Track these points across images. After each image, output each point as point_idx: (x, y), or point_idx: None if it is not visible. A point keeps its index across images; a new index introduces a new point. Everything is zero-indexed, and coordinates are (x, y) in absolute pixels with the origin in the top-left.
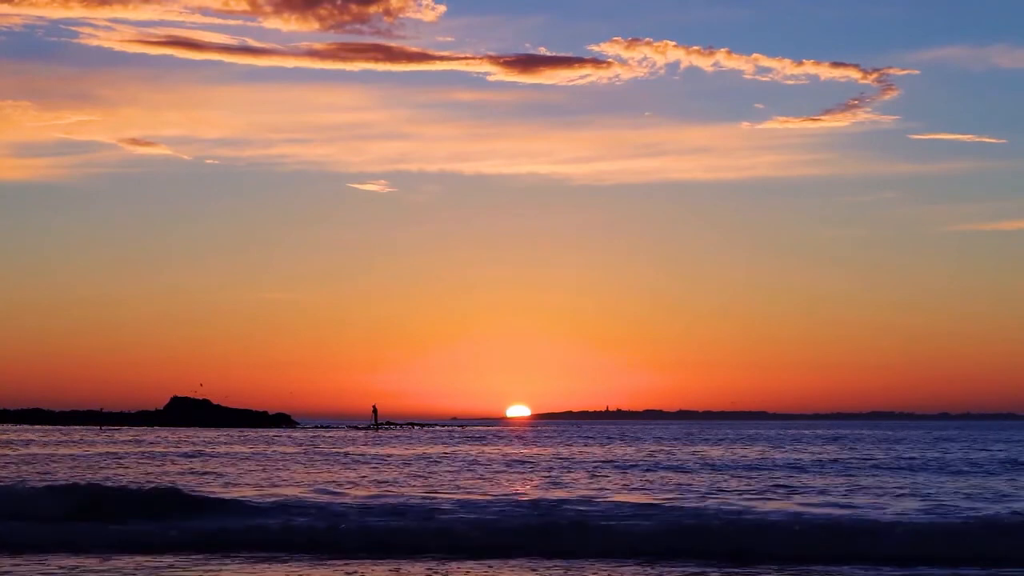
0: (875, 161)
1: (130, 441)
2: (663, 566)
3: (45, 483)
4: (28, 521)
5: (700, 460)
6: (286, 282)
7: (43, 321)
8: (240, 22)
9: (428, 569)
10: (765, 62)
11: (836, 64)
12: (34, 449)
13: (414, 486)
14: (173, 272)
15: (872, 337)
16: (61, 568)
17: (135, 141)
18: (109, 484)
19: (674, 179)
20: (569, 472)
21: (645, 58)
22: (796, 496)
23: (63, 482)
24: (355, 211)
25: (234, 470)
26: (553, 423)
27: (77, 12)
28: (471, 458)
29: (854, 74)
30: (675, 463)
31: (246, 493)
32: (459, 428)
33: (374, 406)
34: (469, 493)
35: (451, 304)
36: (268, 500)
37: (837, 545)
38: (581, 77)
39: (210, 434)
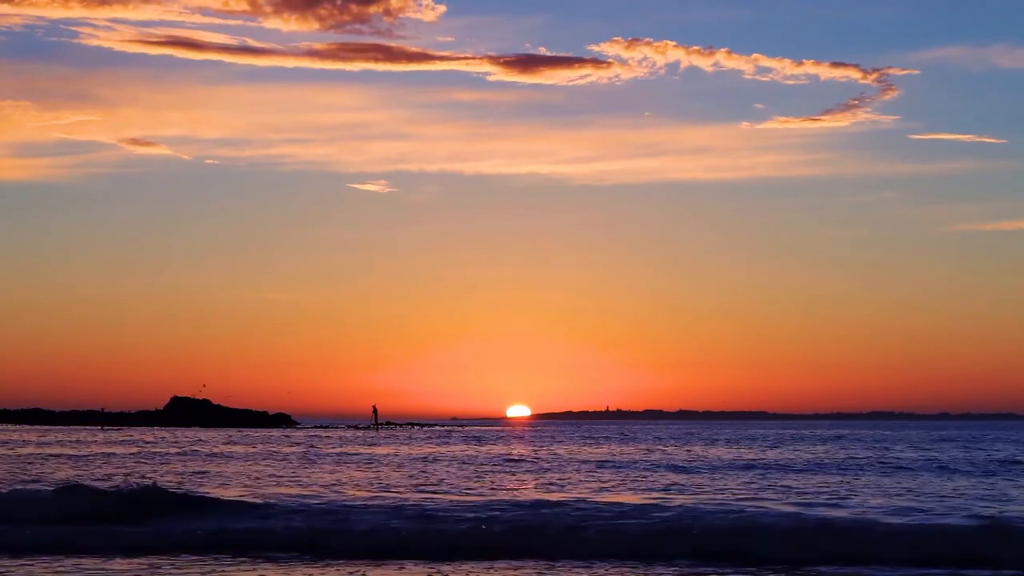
0: (875, 161)
1: (130, 441)
2: (662, 567)
3: (45, 484)
4: (29, 523)
5: (699, 460)
6: (286, 282)
7: (43, 321)
8: (240, 22)
9: (429, 570)
10: (765, 62)
11: (836, 64)
12: (32, 449)
13: (414, 486)
14: (173, 272)
15: (872, 337)
16: (63, 567)
17: (135, 141)
18: (109, 485)
19: (674, 179)
20: (568, 472)
21: (645, 58)
22: (794, 496)
23: (63, 483)
24: (355, 211)
25: (233, 470)
26: (553, 423)
27: (77, 12)
28: (471, 458)
29: (854, 74)
30: (674, 463)
31: (245, 493)
32: (459, 428)
33: (374, 406)
34: (468, 493)
35: (451, 304)
36: (268, 501)
37: (836, 546)
38: (581, 77)
39: (210, 434)
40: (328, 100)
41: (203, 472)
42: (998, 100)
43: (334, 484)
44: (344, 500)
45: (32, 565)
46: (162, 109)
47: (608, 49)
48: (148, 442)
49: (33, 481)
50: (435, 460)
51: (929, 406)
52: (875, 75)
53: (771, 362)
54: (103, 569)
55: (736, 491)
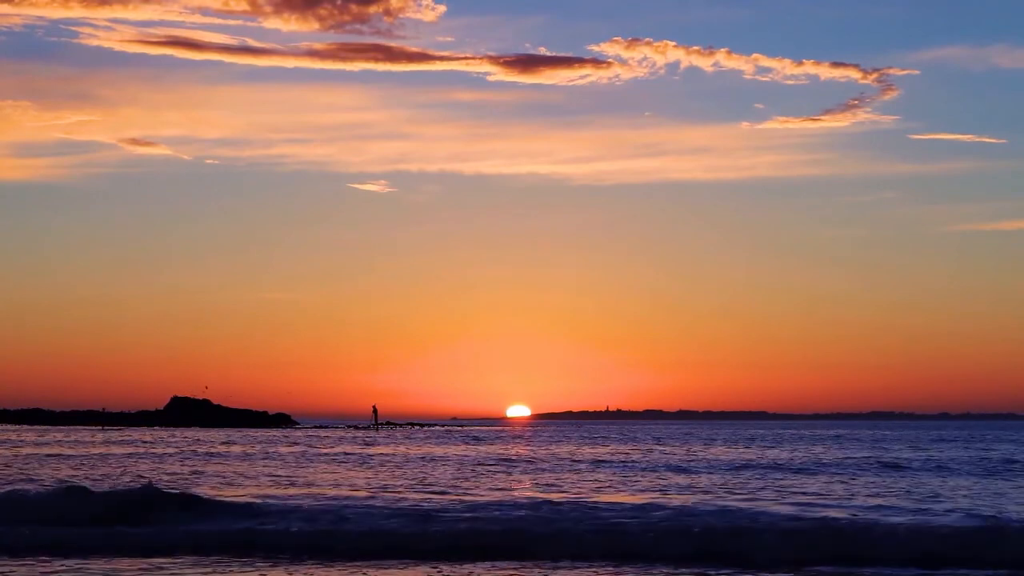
0: (875, 161)
1: (130, 441)
2: (662, 567)
3: (44, 484)
4: (27, 523)
5: (698, 460)
6: (286, 282)
7: (43, 321)
8: (240, 22)
9: (429, 570)
10: (765, 62)
11: (836, 64)
12: (31, 449)
13: (413, 486)
14: (173, 272)
15: (872, 337)
16: (63, 567)
17: (135, 141)
18: (108, 485)
19: (674, 179)
20: (567, 472)
21: (645, 58)
22: (794, 496)
23: (62, 483)
24: (355, 211)
25: (233, 471)
26: (553, 423)
27: (77, 12)
28: (470, 458)
29: (854, 74)
30: (673, 463)
31: (246, 494)
32: (459, 428)
33: (374, 406)
34: (468, 493)
35: (451, 304)
36: (268, 501)
37: (836, 546)
38: (581, 77)
39: (210, 434)
40: (328, 100)
41: (202, 472)
42: (998, 100)
43: (333, 484)
44: (343, 500)
45: (32, 565)
46: (162, 109)
47: (608, 49)
48: (148, 442)
49: (30, 481)
50: (435, 460)
51: (929, 406)
52: (875, 75)
53: (771, 362)
54: (102, 569)
55: (735, 491)
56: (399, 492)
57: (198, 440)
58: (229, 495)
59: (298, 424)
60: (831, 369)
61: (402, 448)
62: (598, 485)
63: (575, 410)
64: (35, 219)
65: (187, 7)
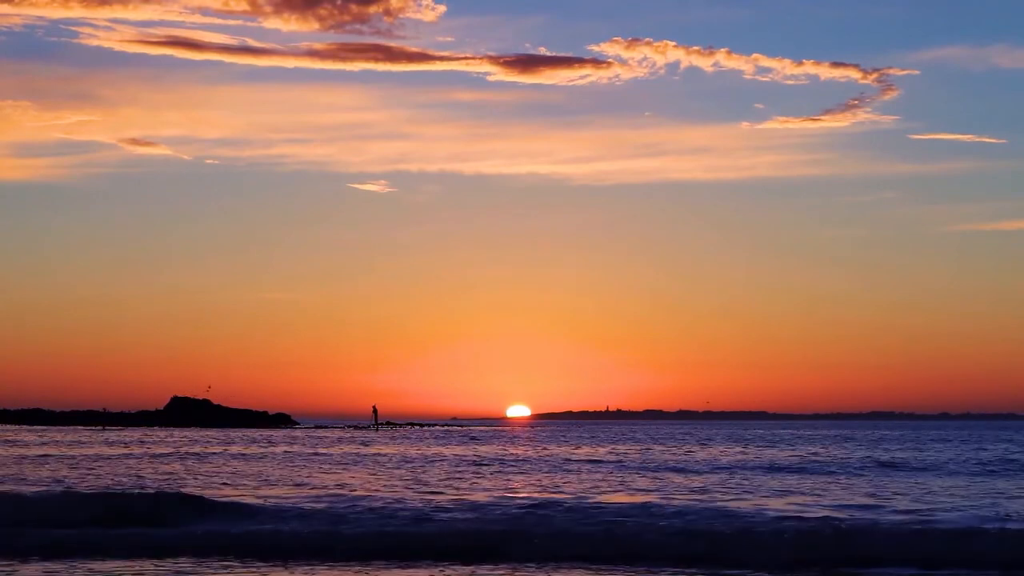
0: (875, 161)
1: (130, 441)
2: (661, 567)
3: (44, 485)
4: (25, 524)
5: (697, 460)
6: (286, 282)
7: (43, 321)
8: (240, 22)
9: (429, 571)
10: (765, 62)
11: (836, 64)
12: (31, 450)
13: (412, 486)
14: (173, 272)
15: (872, 337)
16: (63, 568)
17: (135, 141)
18: (107, 486)
19: (674, 179)
20: (567, 472)
21: (645, 58)
22: (793, 496)
23: (60, 484)
24: (355, 211)
25: (233, 471)
26: (553, 423)
27: (77, 12)
28: (470, 458)
29: (854, 74)
30: (672, 463)
31: (246, 495)
32: (459, 428)
33: (374, 406)
34: (468, 494)
35: (451, 304)
36: (269, 502)
37: (836, 546)
38: (581, 77)
39: (210, 434)
40: (328, 100)
41: (202, 473)
42: (998, 100)
43: (333, 484)
44: (343, 500)
45: (30, 566)
46: (162, 109)
47: (608, 49)
48: (148, 442)
49: (30, 482)
50: (434, 460)
51: (929, 406)
52: (875, 75)
53: (771, 362)
54: (102, 570)
55: (735, 491)
56: (399, 492)
57: (198, 440)
58: (229, 495)
59: (298, 424)
60: (831, 369)
61: (402, 448)
62: (597, 485)
63: (575, 410)
64: (35, 219)
65: (187, 7)
